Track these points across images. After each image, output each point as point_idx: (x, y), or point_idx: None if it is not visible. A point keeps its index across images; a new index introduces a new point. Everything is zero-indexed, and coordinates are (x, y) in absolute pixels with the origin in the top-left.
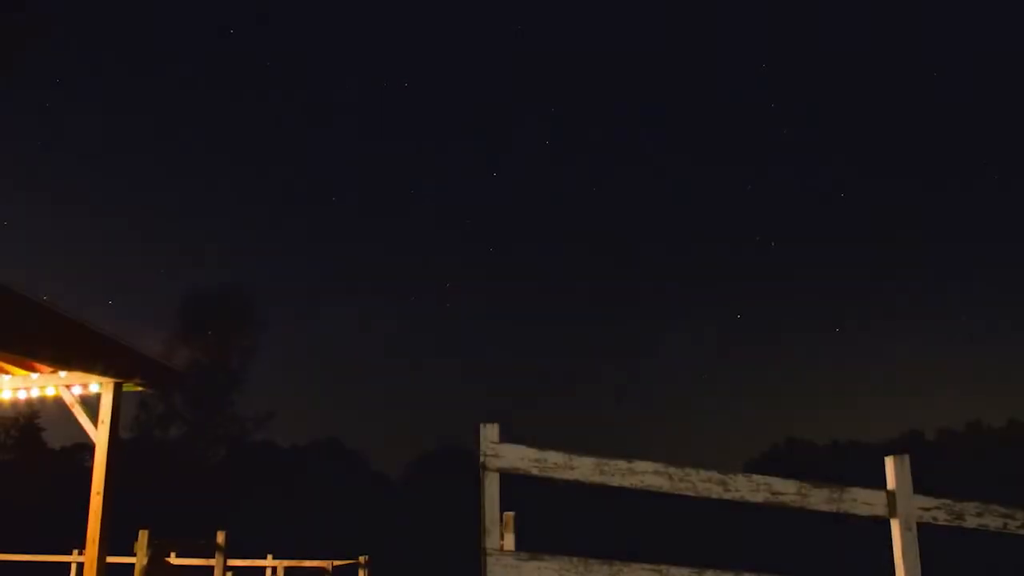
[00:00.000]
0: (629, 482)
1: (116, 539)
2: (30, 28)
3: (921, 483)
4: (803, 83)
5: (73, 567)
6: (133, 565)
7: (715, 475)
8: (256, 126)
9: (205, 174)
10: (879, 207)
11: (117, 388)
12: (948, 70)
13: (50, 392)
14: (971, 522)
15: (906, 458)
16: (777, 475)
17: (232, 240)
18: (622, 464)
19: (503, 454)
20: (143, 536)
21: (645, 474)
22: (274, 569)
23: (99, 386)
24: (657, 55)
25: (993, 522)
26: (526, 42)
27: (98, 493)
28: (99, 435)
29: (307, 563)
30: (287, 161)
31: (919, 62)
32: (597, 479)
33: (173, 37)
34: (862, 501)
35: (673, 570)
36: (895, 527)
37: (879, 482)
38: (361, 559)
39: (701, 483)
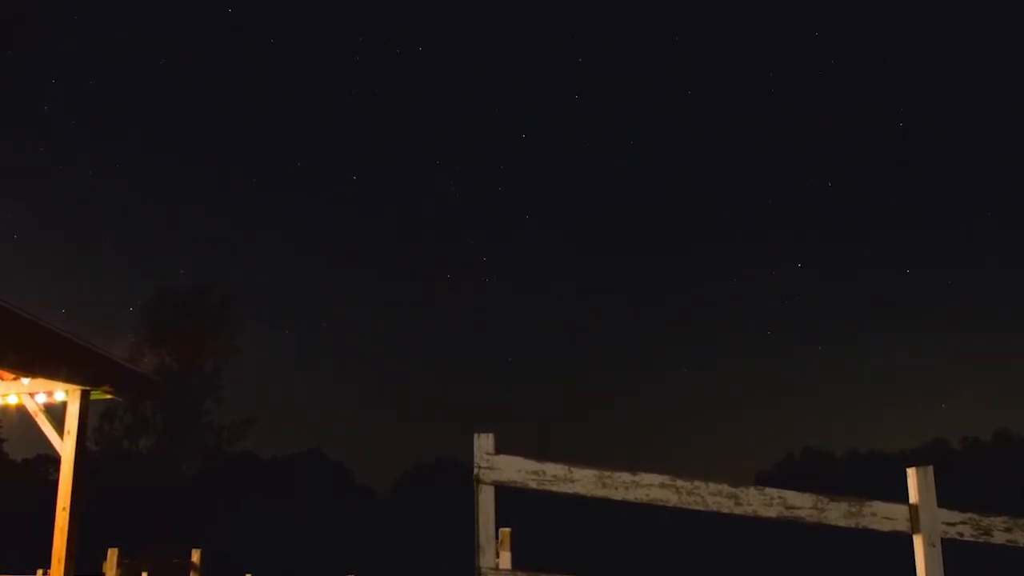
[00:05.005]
0: (634, 496)
1: (83, 558)
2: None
3: (945, 496)
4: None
5: None
6: None
7: (726, 488)
8: (241, 119)
9: (182, 167)
10: (890, 208)
11: (84, 396)
12: None
13: (12, 400)
14: (999, 538)
15: (930, 469)
16: (792, 488)
17: (206, 236)
18: (626, 476)
19: (499, 466)
20: (112, 555)
21: (651, 487)
22: None
23: (65, 394)
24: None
25: (1023, 538)
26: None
27: (64, 508)
28: (65, 446)
29: None
30: (274, 156)
31: None
32: (599, 492)
33: (161, 24)
34: (883, 516)
35: None
36: (918, 543)
37: (900, 495)
38: None
39: (711, 497)
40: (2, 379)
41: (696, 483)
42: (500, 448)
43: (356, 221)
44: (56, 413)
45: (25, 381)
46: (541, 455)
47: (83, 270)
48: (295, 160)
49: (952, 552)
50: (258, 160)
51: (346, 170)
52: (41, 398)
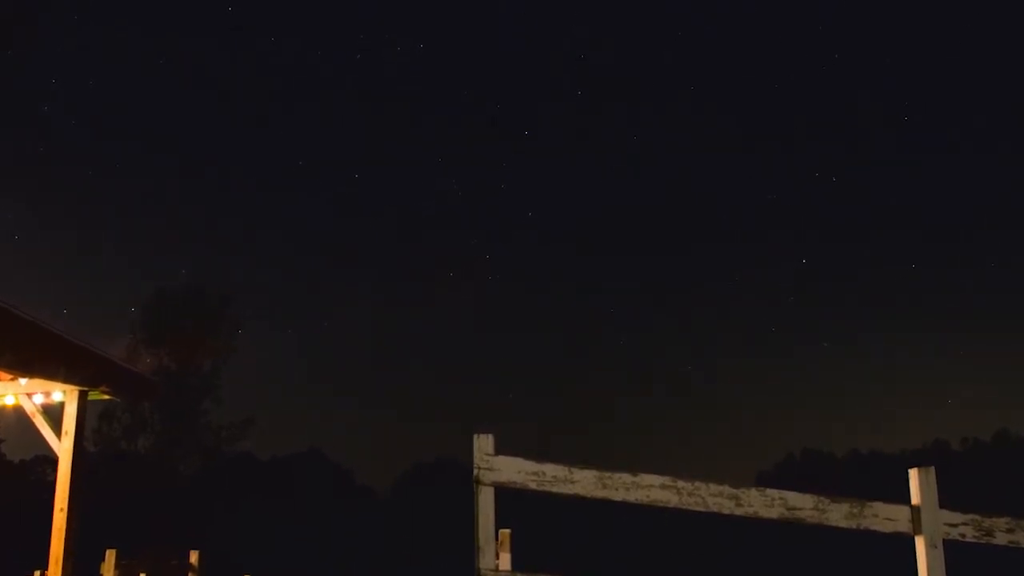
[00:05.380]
0: (634, 497)
1: (81, 559)
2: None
3: (946, 497)
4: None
5: None
6: None
7: (726, 489)
8: (241, 119)
9: (182, 167)
10: (891, 208)
11: (82, 396)
12: None
13: (9, 401)
14: (1001, 539)
15: (931, 470)
16: (792, 489)
17: (206, 236)
18: (626, 477)
19: (498, 467)
20: (111, 556)
21: (651, 488)
22: None
23: (62, 394)
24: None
25: None
26: None
27: (61, 509)
28: (62, 447)
29: None
30: (274, 156)
31: None
32: (599, 493)
33: (161, 24)
34: (884, 517)
35: None
36: (920, 544)
37: (902, 496)
38: None
39: (711, 498)
40: None
41: (697, 484)
42: (500, 449)
43: (356, 221)
44: (54, 414)
45: (23, 381)
46: (541, 456)
47: (83, 270)
48: (295, 160)
49: (954, 553)
50: (258, 160)
51: (346, 170)
52: (39, 398)
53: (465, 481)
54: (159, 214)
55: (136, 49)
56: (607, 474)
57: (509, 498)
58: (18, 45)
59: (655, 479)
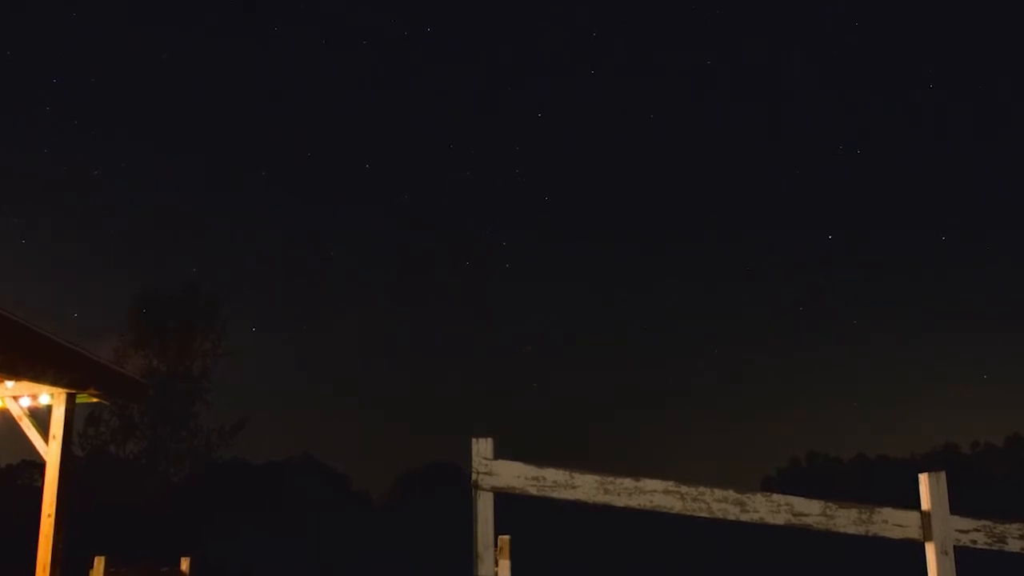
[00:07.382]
0: (636, 502)
1: (69, 566)
2: None
3: (958, 502)
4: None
5: None
6: None
7: (731, 494)
8: (242, 117)
9: (181, 166)
10: (896, 207)
11: (70, 400)
12: None
13: None
14: (1014, 546)
15: (942, 475)
16: (799, 494)
17: (205, 236)
18: (628, 482)
19: (497, 472)
20: (99, 563)
21: (654, 493)
22: None
23: (50, 397)
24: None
25: None
26: None
27: (49, 515)
28: (50, 451)
29: None
30: (275, 154)
31: None
32: (601, 499)
33: (161, 22)
34: (894, 523)
35: None
36: (930, 551)
37: (912, 501)
38: None
39: (716, 503)
40: None
41: (701, 489)
42: (499, 453)
43: (357, 220)
44: (41, 417)
45: (9, 384)
46: (541, 460)
47: (82, 270)
48: (297, 158)
49: (965, 560)
50: (259, 158)
51: (350, 163)
52: (25, 401)
53: (464, 486)
54: (158, 214)
55: (136, 49)
56: (609, 479)
57: (509, 503)
58: (18, 45)
59: (658, 484)
